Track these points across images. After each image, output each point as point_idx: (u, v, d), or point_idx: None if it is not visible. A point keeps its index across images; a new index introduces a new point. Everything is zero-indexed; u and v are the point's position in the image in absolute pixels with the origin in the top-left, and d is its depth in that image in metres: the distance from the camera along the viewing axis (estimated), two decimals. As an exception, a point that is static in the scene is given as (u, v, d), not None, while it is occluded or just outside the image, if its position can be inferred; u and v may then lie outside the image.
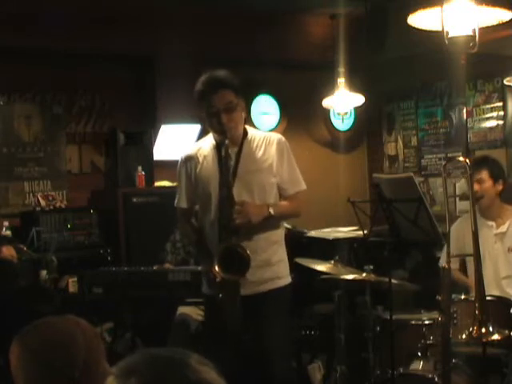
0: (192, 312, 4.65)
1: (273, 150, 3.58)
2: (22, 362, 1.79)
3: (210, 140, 3.64)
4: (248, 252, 3.35)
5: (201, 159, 3.60)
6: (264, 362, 3.54)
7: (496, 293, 4.15)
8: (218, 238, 3.46)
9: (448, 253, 3.33)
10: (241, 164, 3.51)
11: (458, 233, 4.40)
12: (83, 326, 1.85)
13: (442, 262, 4.53)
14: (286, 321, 3.57)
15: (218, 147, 3.55)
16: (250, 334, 3.63)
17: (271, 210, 3.52)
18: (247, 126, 3.65)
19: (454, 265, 4.08)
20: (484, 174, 4.39)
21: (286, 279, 3.61)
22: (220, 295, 3.41)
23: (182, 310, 4.73)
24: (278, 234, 3.64)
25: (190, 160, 3.63)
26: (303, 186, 3.67)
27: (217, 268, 3.37)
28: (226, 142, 3.44)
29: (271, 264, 3.53)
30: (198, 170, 3.60)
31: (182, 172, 3.67)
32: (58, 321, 1.87)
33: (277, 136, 3.65)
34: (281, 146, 3.60)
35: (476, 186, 4.30)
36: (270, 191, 3.58)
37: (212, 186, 3.53)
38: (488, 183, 4.39)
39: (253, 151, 3.57)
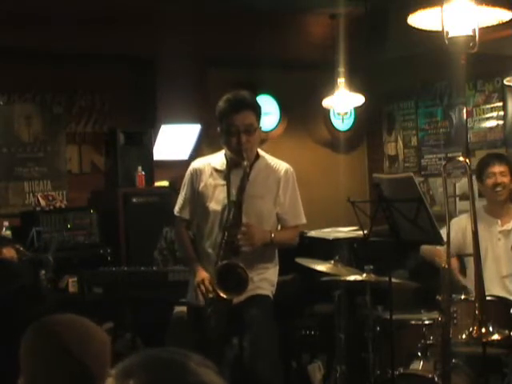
0: None
1: (279, 178, 3.65)
2: (38, 344, 1.83)
3: (220, 157, 3.69)
4: (247, 273, 3.40)
5: (208, 174, 3.65)
6: (248, 368, 3.54)
7: (499, 291, 4.16)
8: (216, 255, 3.51)
9: (448, 253, 3.33)
10: (247, 186, 3.53)
11: (459, 229, 4.41)
12: (96, 325, 1.90)
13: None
14: (267, 327, 3.57)
15: (229, 166, 3.59)
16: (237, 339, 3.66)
17: (273, 237, 3.57)
18: (259, 150, 3.70)
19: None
20: (506, 168, 4.46)
21: (266, 291, 3.66)
22: (209, 310, 3.45)
23: (179, 309, 4.73)
24: (271, 259, 3.69)
25: (197, 173, 3.68)
26: (303, 220, 3.74)
27: (216, 285, 3.40)
28: (245, 163, 3.48)
29: (253, 281, 3.56)
30: (203, 184, 3.65)
31: (187, 183, 3.72)
32: (73, 316, 1.91)
33: (285, 166, 3.70)
34: (287, 176, 3.66)
35: (500, 178, 4.39)
36: (268, 219, 3.64)
37: (214, 203, 3.58)
38: (507, 178, 4.45)
39: (260, 177, 3.63)
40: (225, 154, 3.66)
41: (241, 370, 3.62)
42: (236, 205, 3.46)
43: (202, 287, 3.49)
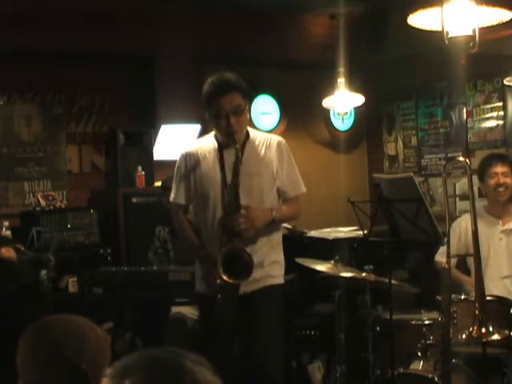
0: (186, 311, 4.64)
1: (273, 152, 3.60)
2: (35, 344, 1.83)
3: (211, 139, 3.64)
4: (252, 257, 3.37)
5: (201, 158, 3.61)
6: (253, 360, 3.54)
7: (499, 292, 4.15)
8: (219, 240, 3.47)
9: (448, 253, 3.33)
10: (242, 167, 3.49)
11: (462, 230, 4.41)
12: (94, 326, 1.90)
13: (437, 257, 4.55)
14: (277, 320, 3.56)
15: (220, 148, 3.57)
16: (242, 333, 3.65)
17: (274, 215, 3.54)
18: (248, 128, 3.66)
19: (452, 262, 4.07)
20: (509, 169, 4.47)
21: (278, 279, 3.63)
22: (219, 296, 3.43)
23: (176, 309, 4.73)
24: (275, 237, 3.66)
25: (190, 157, 3.63)
26: (303, 189, 3.70)
27: (221, 270, 3.38)
28: (237, 146, 3.45)
29: (263, 266, 3.54)
30: (197, 168, 3.60)
31: (181, 168, 3.67)
32: (71, 317, 1.92)
33: (277, 138, 3.67)
34: (281, 149, 3.62)
35: (502, 178, 4.42)
36: (268, 195, 3.59)
37: (211, 186, 3.55)
38: (510, 178, 4.46)
39: (254, 154, 3.59)
40: (215, 136, 3.62)
41: (245, 363, 3.62)
42: (233, 188, 3.43)
43: (210, 276, 3.48)
